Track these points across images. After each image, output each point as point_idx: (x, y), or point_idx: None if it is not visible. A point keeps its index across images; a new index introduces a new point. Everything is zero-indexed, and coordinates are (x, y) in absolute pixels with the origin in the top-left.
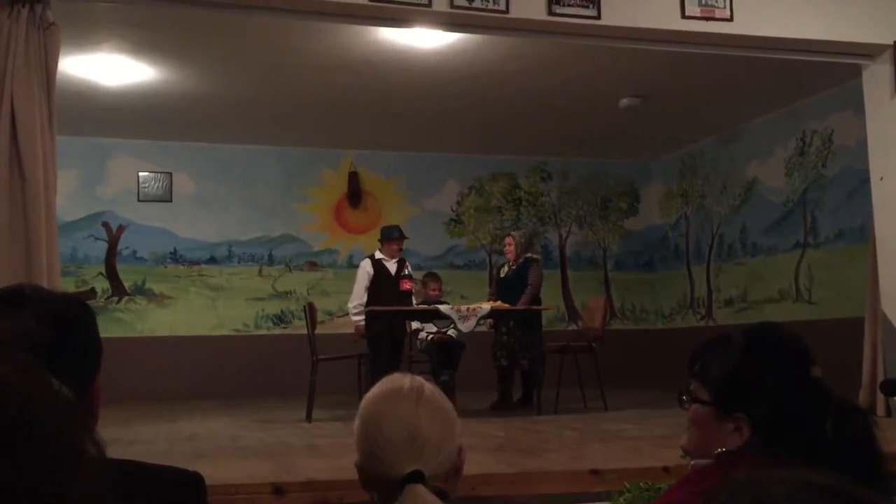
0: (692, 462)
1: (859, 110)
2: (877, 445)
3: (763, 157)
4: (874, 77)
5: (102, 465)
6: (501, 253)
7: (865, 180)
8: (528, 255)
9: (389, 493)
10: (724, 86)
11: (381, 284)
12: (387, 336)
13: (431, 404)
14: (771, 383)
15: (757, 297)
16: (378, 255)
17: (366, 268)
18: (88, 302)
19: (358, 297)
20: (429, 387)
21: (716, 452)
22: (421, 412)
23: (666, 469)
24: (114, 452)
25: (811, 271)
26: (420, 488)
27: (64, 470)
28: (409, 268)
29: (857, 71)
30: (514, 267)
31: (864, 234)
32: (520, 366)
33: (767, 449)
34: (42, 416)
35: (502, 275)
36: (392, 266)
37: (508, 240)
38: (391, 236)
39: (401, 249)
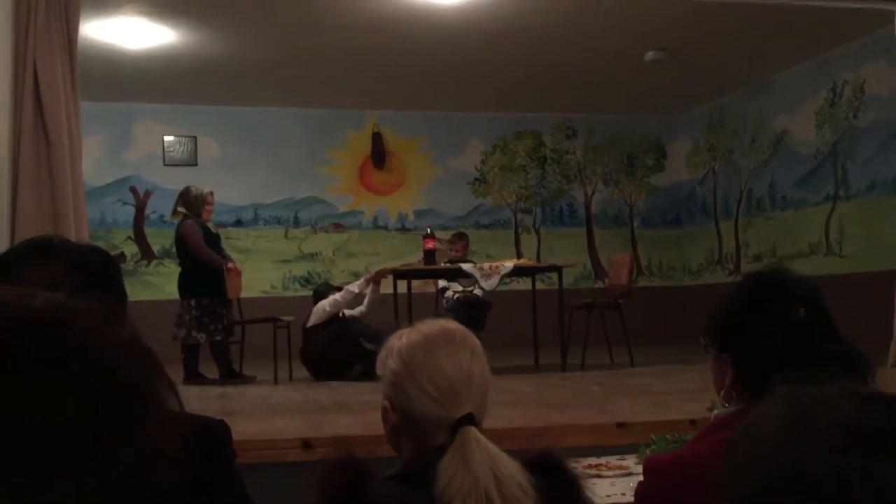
0: (715, 412)
1: (892, 59)
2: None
3: (792, 110)
4: None
5: (180, 417)
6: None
7: None
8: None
9: (434, 438)
10: (751, 37)
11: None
12: None
13: (480, 350)
14: (744, 322)
15: (787, 252)
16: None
17: None
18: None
19: None
20: (472, 335)
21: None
22: (475, 358)
23: (692, 422)
24: None
25: (842, 224)
26: (475, 430)
27: (149, 418)
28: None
29: (889, 18)
30: None
31: None
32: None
33: (754, 392)
34: (132, 366)
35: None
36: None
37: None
38: None
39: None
